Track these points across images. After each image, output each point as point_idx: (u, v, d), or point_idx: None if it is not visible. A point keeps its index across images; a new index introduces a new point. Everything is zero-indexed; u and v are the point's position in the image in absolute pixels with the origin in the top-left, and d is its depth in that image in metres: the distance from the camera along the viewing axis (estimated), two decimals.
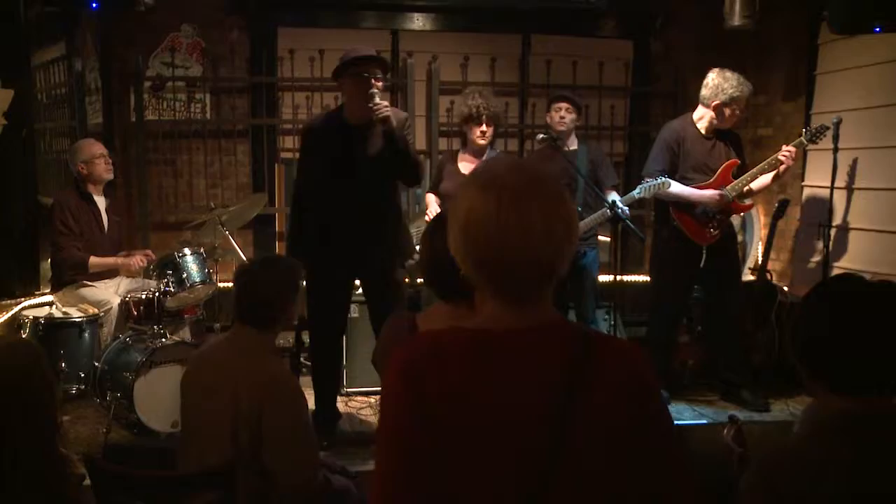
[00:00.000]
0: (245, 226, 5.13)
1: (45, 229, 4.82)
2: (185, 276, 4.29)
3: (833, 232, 4.69)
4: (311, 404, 3.76)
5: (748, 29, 4.87)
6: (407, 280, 5.08)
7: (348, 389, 4.57)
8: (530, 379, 1.21)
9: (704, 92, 4.30)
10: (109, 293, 4.42)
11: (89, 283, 4.42)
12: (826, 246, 4.57)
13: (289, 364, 4.02)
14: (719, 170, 4.33)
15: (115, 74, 5.39)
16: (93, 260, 4.41)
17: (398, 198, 3.84)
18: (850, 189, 4.81)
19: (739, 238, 5.39)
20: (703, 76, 4.34)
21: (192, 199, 5.49)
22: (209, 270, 4.48)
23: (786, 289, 5.05)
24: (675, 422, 3.64)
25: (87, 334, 4.22)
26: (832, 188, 4.49)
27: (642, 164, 4.62)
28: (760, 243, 5.61)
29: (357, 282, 4.02)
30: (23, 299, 4.74)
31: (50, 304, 4.42)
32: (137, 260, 4.52)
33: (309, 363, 4.11)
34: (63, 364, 4.06)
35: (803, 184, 5.30)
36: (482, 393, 1.20)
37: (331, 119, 3.77)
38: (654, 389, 1.30)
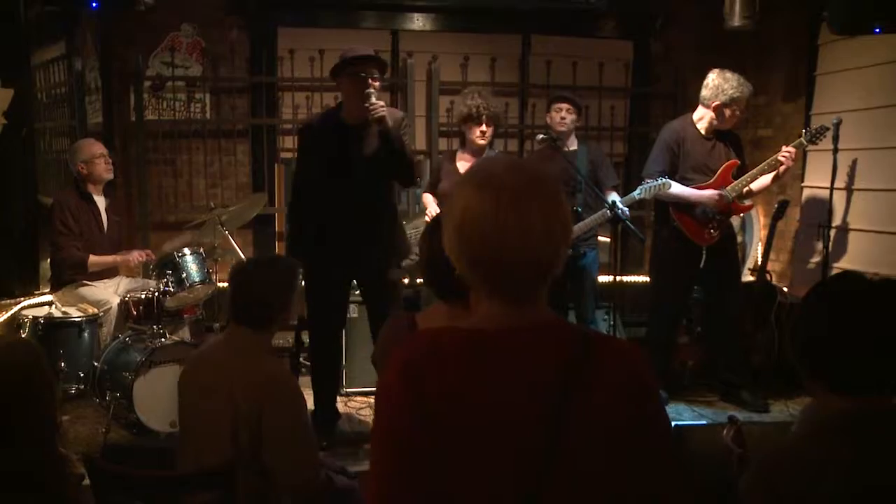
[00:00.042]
0: (245, 226, 5.13)
1: (44, 229, 4.81)
2: (184, 275, 4.30)
3: (833, 233, 4.69)
4: (310, 404, 3.76)
5: (748, 29, 4.87)
6: (407, 280, 5.10)
7: (348, 389, 4.57)
8: (526, 379, 1.21)
9: (704, 92, 4.30)
10: (109, 293, 4.41)
11: (89, 282, 4.42)
12: (826, 247, 4.58)
13: (288, 364, 4.03)
14: (719, 170, 4.33)
15: (114, 74, 5.39)
16: (92, 259, 4.41)
17: (394, 198, 3.84)
18: (849, 190, 4.81)
19: (739, 239, 5.39)
20: (703, 77, 4.34)
21: (191, 199, 5.49)
22: (209, 270, 4.48)
23: (785, 289, 5.05)
24: (675, 422, 3.64)
25: (86, 334, 4.22)
26: (832, 189, 4.50)
27: (642, 164, 4.62)
28: (760, 244, 5.61)
29: (354, 282, 4.02)
30: (22, 299, 4.74)
31: (49, 303, 4.42)
32: (136, 255, 4.51)
33: (308, 363, 4.11)
34: (62, 364, 4.06)
35: (803, 184, 5.30)
36: (479, 393, 1.20)
37: (328, 118, 3.77)
38: (652, 390, 1.30)
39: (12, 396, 1.79)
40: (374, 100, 3.47)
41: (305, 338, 3.89)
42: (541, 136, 4.36)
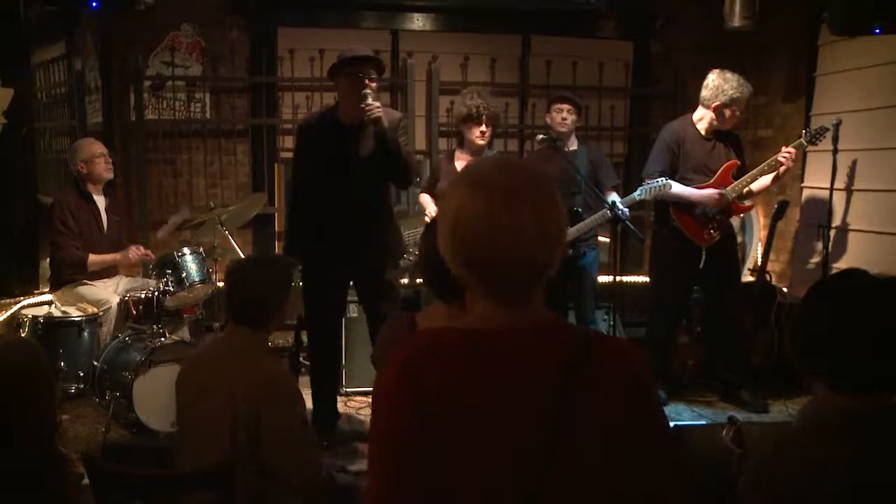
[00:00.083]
0: (245, 225, 5.13)
1: (44, 228, 4.81)
2: (184, 275, 4.29)
3: (832, 233, 4.69)
4: (309, 404, 3.76)
5: (748, 30, 4.87)
6: (406, 280, 5.10)
7: (347, 389, 4.57)
8: (525, 378, 1.21)
9: (704, 93, 4.30)
10: (108, 292, 4.41)
11: (88, 282, 4.42)
12: (825, 247, 4.57)
13: (288, 364, 4.03)
14: (719, 171, 4.33)
15: (114, 73, 5.39)
16: (92, 258, 4.41)
17: (390, 198, 3.84)
18: (849, 190, 4.82)
19: (739, 239, 5.39)
20: (703, 77, 4.34)
21: (191, 199, 5.49)
22: (209, 270, 4.48)
23: (785, 290, 5.05)
24: (675, 422, 3.64)
25: (86, 333, 4.21)
26: (832, 189, 4.50)
27: (642, 165, 4.62)
28: (760, 244, 5.61)
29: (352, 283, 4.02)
30: (22, 298, 4.73)
31: (49, 303, 4.41)
32: (133, 251, 4.51)
33: (308, 363, 4.11)
34: (62, 363, 4.06)
35: (803, 185, 5.30)
36: (477, 393, 1.20)
37: (325, 118, 3.77)
38: (651, 390, 1.30)
39: (12, 396, 1.78)
40: (370, 101, 3.47)
41: (305, 337, 3.90)
42: (541, 136, 4.36)
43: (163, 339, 3.93)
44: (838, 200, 4.76)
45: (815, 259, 5.02)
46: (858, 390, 1.50)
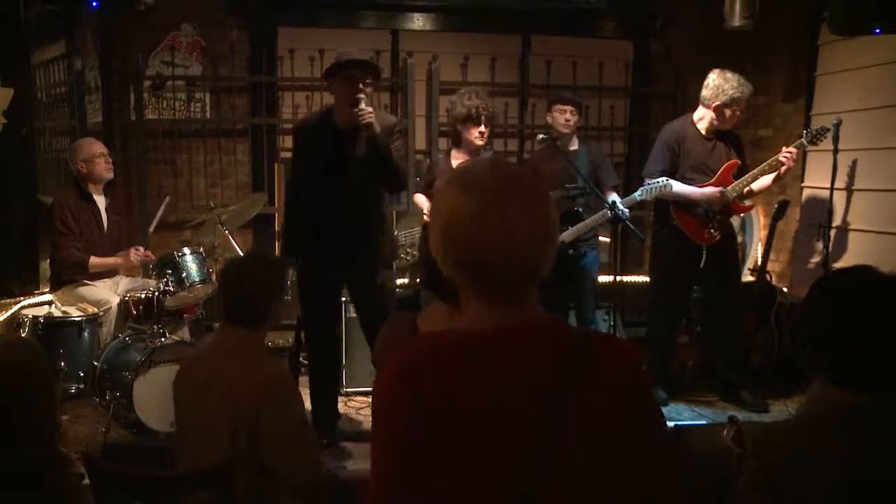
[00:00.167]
0: (245, 225, 5.13)
1: (44, 228, 4.81)
2: (184, 275, 4.29)
3: (833, 233, 4.69)
4: (308, 404, 3.76)
5: (748, 29, 4.87)
6: (407, 280, 5.10)
7: (347, 389, 4.57)
8: (521, 379, 1.21)
9: (705, 93, 4.30)
10: (109, 292, 4.41)
11: (88, 282, 4.42)
12: (826, 247, 4.57)
13: (288, 364, 4.03)
14: (720, 170, 4.33)
15: (114, 73, 5.39)
16: (93, 260, 4.41)
17: (384, 200, 3.85)
18: (849, 190, 4.82)
19: (739, 239, 5.39)
20: (704, 77, 4.34)
21: (191, 199, 5.49)
22: (209, 270, 4.47)
23: (785, 290, 5.04)
24: (675, 422, 3.64)
25: (86, 333, 4.21)
26: (832, 189, 4.50)
27: (642, 164, 4.62)
28: (760, 244, 5.61)
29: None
30: (22, 298, 4.73)
31: (49, 303, 4.41)
32: (132, 253, 4.51)
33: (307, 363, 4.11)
34: (62, 363, 4.06)
35: (803, 185, 5.30)
36: (475, 393, 1.20)
37: (321, 119, 3.78)
38: (648, 389, 1.30)
39: (12, 396, 1.78)
40: (363, 105, 3.48)
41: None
42: (541, 135, 4.36)
43: (163, 339, 3.93)
44: (838, 200, 4.76)
45: (816, 259, 5.02)
46: (858, 386, 1.50)
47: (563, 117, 4.45)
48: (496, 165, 1.27)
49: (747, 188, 4.35)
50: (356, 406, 4.43)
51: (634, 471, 1.23)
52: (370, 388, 4.89)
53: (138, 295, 4.33)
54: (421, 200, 4.41)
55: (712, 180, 4.33)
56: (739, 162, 4.40)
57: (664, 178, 4.21)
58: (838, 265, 4.73)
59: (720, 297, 4.49)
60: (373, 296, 3.78)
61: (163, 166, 5.49)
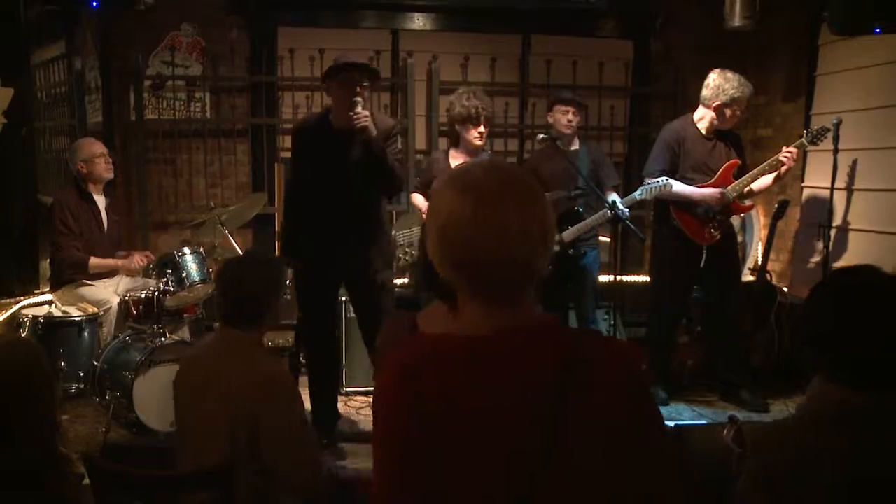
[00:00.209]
0: (245, 225, 5.13)
1: (44, 228, 4.81)
2: (184, 275, 4.29)
3: (833, 232, 4.69)
4: (308, 405, 3.76)
5: (748, 29, 4.86)
6: (407, 280, 5.10)
7: (347, 389, 4.57)
8: (519, 380, 1.21)
9: (705, 92, 4.30)
10: (109, 292, 4.41)
11: (88, 282, 4.42)
12: (826, 246, 4.57)
13: (288, 363, 4.04)
14: (720, 170, 4.33)
15: (114, 73, 5.39)
16: (93, 261, 4.41)
17: (381, 202, 3.86)
18: (849, 190, 4.82)
19: (739, 238, 5.39)
20: (704, 77, 4.34)
21: (191, 199, 5.49)
22: (209, 270, 4.47)
23: (785, 289, 5.05)
24: (675, 422, 3.63)
25: (86, 333, 4.21)
26: (832, 189, 4.50)
27: (642, 164, 4.63)
28: (760, 244, 5.61)
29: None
30: (22, 298, 4.74)
31: (49, 303, 4.42)
32: (137, 260, 4.52)
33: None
34: (62, 363, 4.06)
35: (803, 184, 5.30)
36: (474, 395, 1.20)
37: (319, 121, 3.80)
38: (645, 389, 1.30)
39: (12, 396, 1.78)
40: (359, 109, 3.49)
41: None
42: (541, 135, 4.35)
43: (163, 339, 3.93)
44: (839, 200, 4.76)
45: (816, 258, 5.02)
46: (859, 385, 1.50)
47: (566, 118, 4.46)
48: (493, 167, 1.27)
49: (747, 188, 4.35)
50: (356, 406, 4.43)
51: (634, 471, 1.23)
52: (370, 388, 4.93)
53: (138, 295, 4.33)
54: (419, 200, 4.41)
55: (712, 180, 4.33)
56: (739, 162, 4.40)
57: (664, 178, 4.21)
58: (838, 265, 4.73)
59: (720, 297, 4.49)
60: (371, 296, 3.79)
61: (163, 166, 5.49)
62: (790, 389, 4.48)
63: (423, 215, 4.43)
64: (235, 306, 2.42)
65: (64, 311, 4.30)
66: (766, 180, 4.35)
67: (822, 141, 4.34)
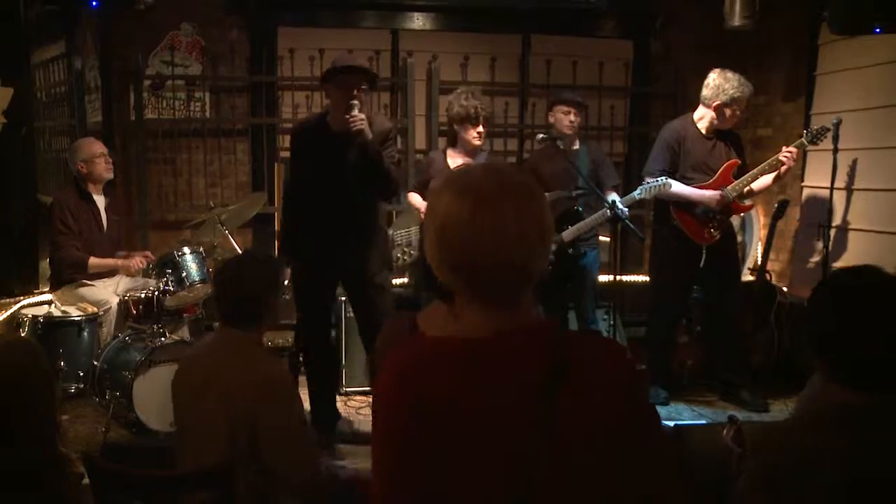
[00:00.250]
0: (244, 225, 5.12)
1: (44, 228, 4.81)
2: (184, 274, 4.29)
3: (833, 232, 4.69)
4: (307, 405, 3.76)
5: (748, 29, 4.87)
6: (407, 280, 5.10)
7: (347, 389, 4.57)
8: (517, 382, 1.21)
9: (705, 92, 4.30)
10: (108, 292, 4.41)
11: (88, 282, 4.42)
12: (826, 246, 4.57)
13: (288, 363, 4.03)
14: (720, 170, 4.33)
15: (114, 73, 5.39)
16: (92, 261, 4.41)
17: (378, 204, 3.87)
18: (849, 190, 4.81)
19: (739, 238, 5.39)
20: (704, 76, 4.34)
21: (191, 198, 5.49)
22: (208, 269, 4.47)
23: (785, 289, 5.05)
24: (675, 422, 3.63)
25: (86, 333, 4.21)
26: (832, 189, 4.50)
27: (642, 164, 4.63)
28: (760, 244, 5.61)
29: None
30: (22, 298, 4.73)
31: (49, 302, 4.41)
32: (137, 261, 4.52)
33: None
34: (62, 363, 4.06)
35: (803, 184, 5.30)
36: (473, 397, 1.20)
37: (317, 123, 3.81)
38: (640, 390, 1.30)
39: (12, 396, 1.78)
40: (355, 112, 3.50)
41: None
42: (541, 135, 4.36)
43: (163, 338, 3.93)
44: (838, 200, 4.76)
45: (816, 258, 5.02)
46: (859, 385, 1.50)
47: (568, 118, 4.46)
48: (491, 169, 1.27)
49: (747, 188, 4.35)
50: (356, 406, 4.43)
51: (632, 471, 1.24)
52: (370, 389, 4.93)
53: (138, 294, 4.33)
54: (416, 200, 4.40)
55: (712, 180, 4.33)
56: (739, 161, 4.40)
57: (663, 178, 4.22)
58: (838, 265, 4.73)
59: (720, 297, 4.49)
60: (369, 297, 3.80)
61: (162, 166, 5.49)
62: (790, 389, 4.48)
63: (421, 215, 4.44)
64: (235, 306, 2.42)
65: (63, 311, 4.30)
66: (765, 180, 4.35)
67: (821, 141, 4.34)
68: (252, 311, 2.42)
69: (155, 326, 4.03)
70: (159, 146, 5.47)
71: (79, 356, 4.15)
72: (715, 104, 4.25)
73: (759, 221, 5.74)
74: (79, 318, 4.21)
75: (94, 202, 4.52)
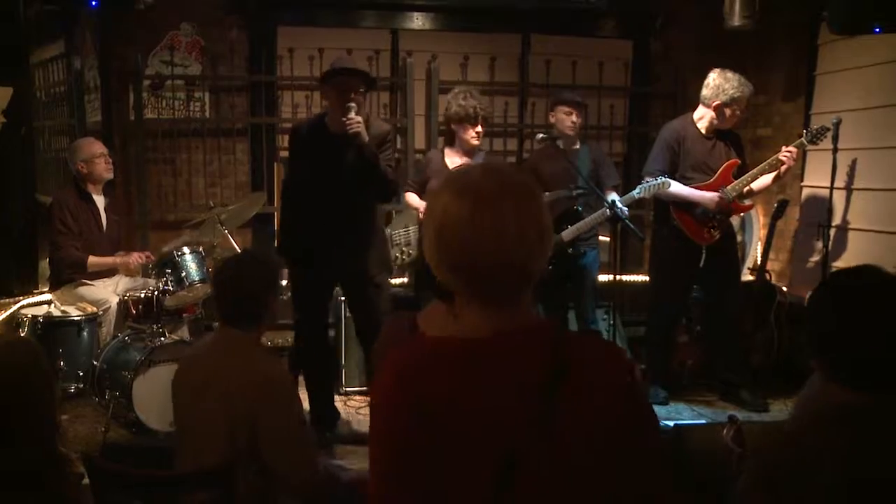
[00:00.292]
0: (244, 224, 5.12)
1: (43, 228, 4.81)
2: (183, 274, 4.29)
3: (832, 232, 4.69)
4: (306, 404, 3.76)
5: (748, 29, 4.87)
6: (406, 280, 5.10)
7: (346, 389, 4.57)
8: (516, 382, 1.21)
9: (705, 92, 4.30)
10: (108, 292, 4.41)
11: (88, 281, 4.42)
12: (825, 246, 4.58)
13: (287, 363, 4.03)
14: (720, 170, 4.33)
15: (114, 73, 5.38)
16: (91, 260, 4.41)
17: (376, 205, 3.88)
18: (849, 189, 4.82)
19: (739, 238, 5.39)
20: (703, 76, 4.34)
21: (191, 198, 5.49)
22: (208, 269, 4.47)
23: (785, 289, 5.05)
24: (675, 422, 3.63)
25: (85, 333, 4.21)
26: (831, 188, 4.50)
27: (641, 164, 4.63)
28: (759, 243, 5.61)
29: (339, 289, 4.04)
30: (21, 298, 4.73)
31: (48, 302, 4.41)
32: (136, 257, 4.51)
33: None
34: (62, 363, 4.05)
35: (802, 184, 5.30)
36: (473, 397, 1.20)
37: (315, 124, 3.82)
38: (637, 390, 1.30)
39: (12, 396, 1.78)
40: (352, 115, 3.51)
41: None
42: (540, 135, 4.36)
43: (162, 338, 3.93)
44: (838, 199, 4.76)
45: (815, 258, 5.02)
46: (859, 385, 1.50)
47: (570, 119, 4.47)
48: (491, 169, 1.27)
49: (747, 188, 4.35)
50: (355, 406, 4.42)
51: (631, 472, 1.24)
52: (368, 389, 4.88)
53: (138, 294, 4.33)
54: (413, 199, 4.40)
55: (712, 179, 4.33)
56: (739, 161, 4.40)
57: (662, 177, 4.22)
58: (838, 264, 4.73)
59: (720, 297, 4.49)
60: (366, 297, 3.81)
61: (162, 166, 5.49)
62: (790, 389, 4.48)
63: (420, 214, 4.43)
64: (235, 306, 2.42)
65: (63, 311, 4.30)
66: (765, 180, 4.35)
67: (821, 140, 4.34)
68: (251, 311, 2.42)
69: (154, 326, 4.03)
70: (159, 146, 5.47)
71: (78, 356, 4.15)
72: (715, 104, 4.25)
73: (759, 221, 5.74)
74: (78, 318, 4.21)
75: (93, 202, 4.51)
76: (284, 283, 3.77)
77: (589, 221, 4.33)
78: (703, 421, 4.16)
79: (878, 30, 3.98)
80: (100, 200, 4.55)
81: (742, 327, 4.64)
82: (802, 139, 4.35)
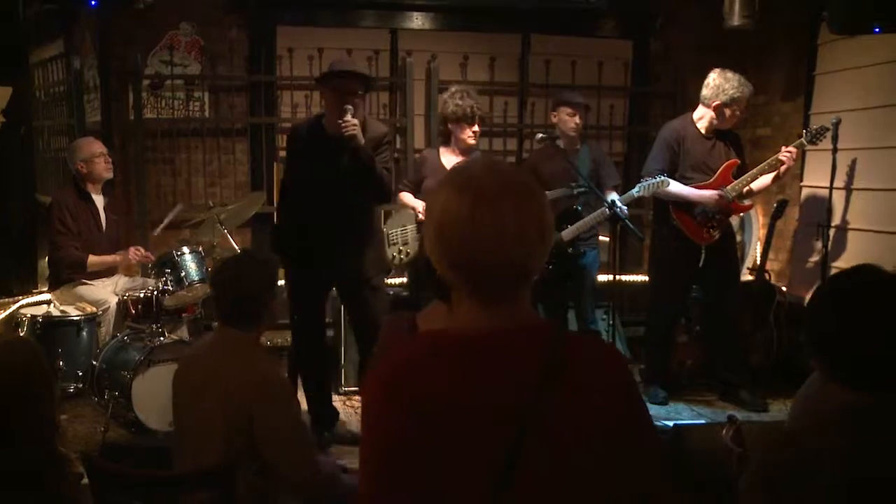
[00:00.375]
0: (243, 224, 5.13)
1: (43, 228, 4.81)
2: (183, 274, 4.28)
3: (832, 232, 4.69)
4: (305, 405, 3.76)
5: (748, 29, 4.87)
6: (405, 279, 5.09)
7: (346, 389, 4.57)
8: (513, 380, 1.21)
9: (705, 92, 4.30)
10: (107, 292, 4.41)
11: (87, 281, 4.42)
12: (825, 246, 4.57)
13: (287, 364, 4.03)
14: (719, 170, 4.33)
15: (113, 73, 5.38)
16: (91, 259, 4.41)
17: (372, 206, 3.88)
18: (848, 189, 4.82)
19: (738, 238, 5.39)
20: (703, 76, 4.34)
21: (190, 198, 5.48)
22: (207, 269, 4.46)
23: (784, 289, 5.05)
24: (674, 422, 3.63)
25: (84, 333, 4.20)
26: (831, 188, 4.50)
27: (641, 164, 4.63)
28: (759, 243, 5.61)
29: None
30: (20, 298, 4.73)
31: (48, 302, 4.41)
32: (132, 252, 4.51)
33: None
34: (61, 363, 4.05)
35: (802, 184, 5.30)
36: (469, 394, 1.20)
37: (313, 125, 3.82)
38: (633, 389, 1.30)
39: (11, 396, 1.78)
40: (348, 117, 3.51)
41: None
42: (540, 135, 4.36)
43: (162, 338, 3.92)
44: (837, 199, 4.76)
45: (815, 258, 5.02)
46: (859, 385, 1.50)
47: (573, 120, 4.47)
48: (491, 166, 1.26)
49: (747, 188, 4.35)
50: (355, 406, 4.42)
51: (629, 472, 1.24)
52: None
53: (137, 294, 4.32)
54: (408, 198, 4.39)
55: (712, 179, 4.33)
56: (739, 161, 4.40)
57: (661, 176, 4.22)
58: (837, 264, 4.74)
59: (719, 297, 4.49)
60: (363, 298, 3.81)
61: (161, 166, 5.49)
62: (789, 389, 4.46)
63: (419, 214, 4.43)
64: (234, 305, 2.42)
65: (62, 311, 4.30)
66: (765, 180, 4.35)
67: (821, 140, 4.34)
68: (251, 311, 2.42)
69: (154, 326, 4.02)
70: (158, 146, 5.47)
71: (78, 356, 4.15)
72: (715, 104, 4.25)
73: (759, 221, 5.74)
74: (78, 318, 4.21)
75: (93, 202, 4.51)
76: (282, 282, 3.77)
77: (589, 221, 4.33)
78: (703, 421, 4.17)
79: (877, 30, 3.98)
80: (99, 200, 4.55)
81: (741, 327, 4.64)
82: (802, 139, 4.35)
